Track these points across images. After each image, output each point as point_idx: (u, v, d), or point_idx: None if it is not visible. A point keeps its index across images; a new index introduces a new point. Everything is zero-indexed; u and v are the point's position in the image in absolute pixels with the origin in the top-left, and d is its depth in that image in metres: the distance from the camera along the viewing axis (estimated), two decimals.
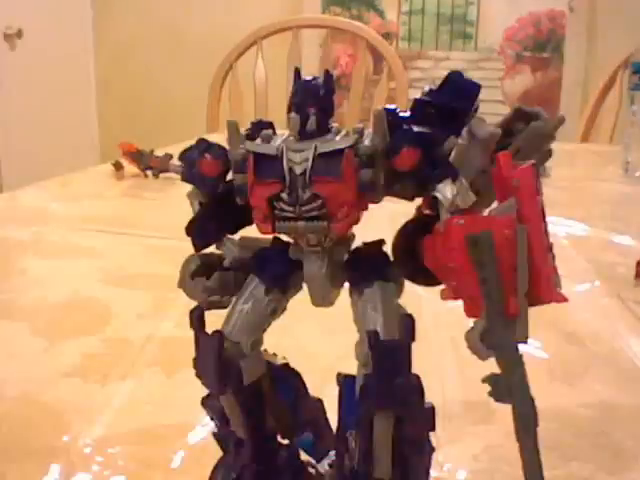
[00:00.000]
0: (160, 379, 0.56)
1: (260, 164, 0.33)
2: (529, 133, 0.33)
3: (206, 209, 0.35)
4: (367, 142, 0.32)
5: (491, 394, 0.31)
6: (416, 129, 0.33)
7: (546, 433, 0.49)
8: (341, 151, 0.32)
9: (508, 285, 0.30)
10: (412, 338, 0.33)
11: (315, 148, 0.32)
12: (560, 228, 0.98)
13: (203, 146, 0.35)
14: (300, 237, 0.34)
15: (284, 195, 0.32)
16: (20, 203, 1.08)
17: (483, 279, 0.30)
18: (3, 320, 0.67)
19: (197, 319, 0.35)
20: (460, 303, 0.31)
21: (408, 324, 0.33)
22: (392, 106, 0.35)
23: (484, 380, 0.31)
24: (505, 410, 0.51)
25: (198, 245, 0.36)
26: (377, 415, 0.33)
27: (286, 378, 0.39)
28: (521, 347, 0.57)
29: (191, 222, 0.35)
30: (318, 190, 0.32)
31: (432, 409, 0.35)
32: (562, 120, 0.34)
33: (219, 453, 0.39)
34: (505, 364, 0.31)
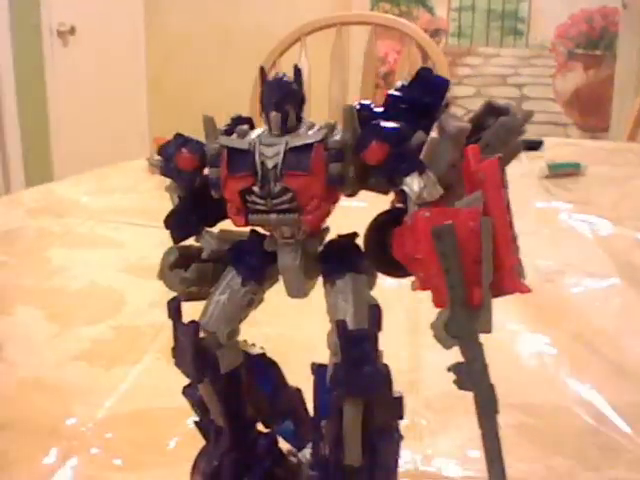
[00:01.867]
0: (165, 367, 0.57)
1: (233, 158, 0.34)
2: (497, 128, 0.34)
3: (185, 202, 0.37)
4: (337, 137, 0.33)
5: (456, 382, 0.32)
6: (384, 124, 0.33)
7: (533, 428, 0.49)
8: (311, 146, 0.33)
9: (472, 276, 0.31)
10: (379, 328, 0.34)
11: (286, 143, 0.33)
12: (587, 226, 0.97)
13: (180, 141, 0.36)
14: (274, 229, 0.35)
15: (256, 188, 0.33)
16: (55, 195, 1.12)
17: (446, 270, 0.31)
18: (23, 305, 0.70)
19: (174, 309, 0.36)
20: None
21: (375, 314, 0.34)
22: (367, 102, 0.36)
23: (449, 369, 0.32)
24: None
25: (177, 237, 0.37)
26: (346, 403, 0.34)
27: (264, 368, 0.40)
28: (531, 341, 0.57)
29: (170, 215, 0.37)
30: (288, 183, 0.33)
31: (400, 398, 0.36)
32: (530, 115, 0.35)
33: None
34: (467, 353, 0.31)
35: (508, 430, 0.49)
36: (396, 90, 0.35)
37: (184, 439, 0.47)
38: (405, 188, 0.32)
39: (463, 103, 4.47)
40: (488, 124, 0.35)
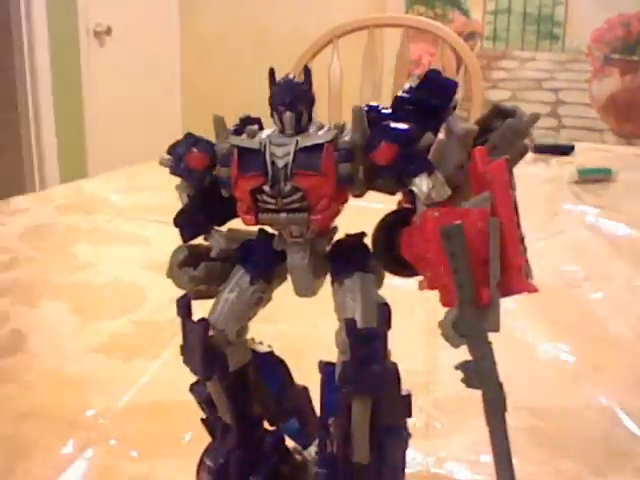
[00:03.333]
0: (180, 359, 0.59)
1: (244, 158, 0.34)
2: (504, 130, 0.34)
3: (194, 201, 0.37)
4: (346, 137, 0.34)
5: (463, 381, 0.32)
6: (393, 125, 0.34)
7: (543, 431, 0.49)
8: (321, 146, 0.33)
9: (480, 276, 0.31)
10: (388, 326, 0.34)
11: (296, 143, 0.34)
12: (613, 232, 0.96)
13: (191, 140, 0.36)
14: (283, 229, 0.35)
15: (266, 187, 0.34)
16: (85, 192, 1.14)
17: (455, 269, 0.31)
18: (48, 299, 0.71)
19: (183, 307, 0.37)
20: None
21: (384, 313, 0.34)
22: (375, 103, 0.36)
23: (457, 367, 0.32)
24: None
25: (186, 236, 0.38)
26: (354, 401, 0.34)
27: (271, 366, 0.40)
28: (550, 346, 0.57)
29: (179, 214, 0.37)
30: (298, 183, 0.33)
31: (409, 396, 0.36)
32: (536, 117, 0.35)
33: None
34: (476, 351, 0.32)
35: (518, 433, 0.49)
36: (404, 92, 0.35)
37: (199, 433, 0.48)
38: (414, 188, 0.33)
39: None
40: (495, 126, 0.35)
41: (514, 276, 0.31)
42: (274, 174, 0.33)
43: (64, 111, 3.07)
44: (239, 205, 0.35)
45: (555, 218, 1.05)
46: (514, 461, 0.32)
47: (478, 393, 0.53)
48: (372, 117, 0.35)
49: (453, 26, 4.36)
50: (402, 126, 0.33)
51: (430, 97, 0.34)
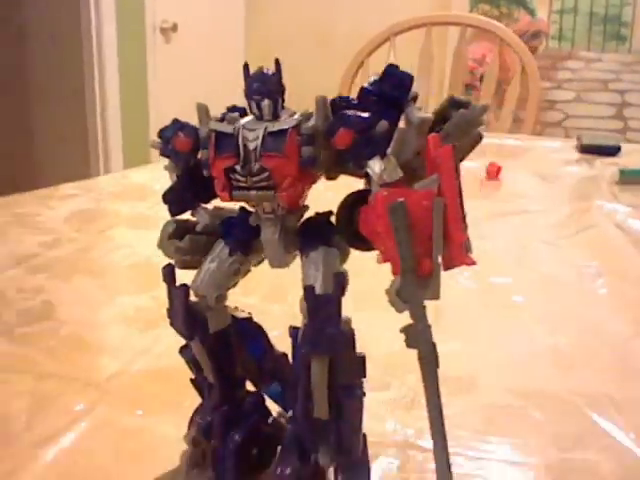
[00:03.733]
0: None
1: (220, 141, 0.38)
2: (457, 119, 0.37)
3: (181, 180, 0.41)
4: (310, 123, 0.37)
5: (405, 341, 0.36)
6: (351, 113, 0.37)
7: (512, 409, 0.52)
8: (286, 131, 0.37)
9: (424, 249, 0.34)
10: (342, 292, 0.37)
11: (265, 128, 0.37)
12: (637, 230, 0.97)
13: (177, 125, 0.40)
14: (257, 205, 0.39)
15: (238, 167, 0.38)
16: (130, 181, 1.20)
17: (399, 242, 0.34)
18: (80, 275, 0.77)
19: (168, 274, 0.41)
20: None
21: (340, 280, 0.37)
22: (346, 96, 0.40)
23: (401, 330, 0.36)
24: (484, 384, 0.55)
25: (173, 211, 0.42)
26: (313, 360, 0.37)
27: (251, 332, 0.44)
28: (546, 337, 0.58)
29: (168, 191, 0.41)
30: (265, 163, 0.37)
31: (363, 358, 0.39)
32: (485, 108, 0.38)
33: None
34: (414, 316, 0.35)
35: (494, 410, 0.52)
36: (369, 85, 0.38)
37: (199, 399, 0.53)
38: (369, 170, 0.36)
39: (562, 107, 4.38)
40: (450, 116, 0.38)
41: (455, 250, 0.34)
42: (245, 155, 0.37)
43: (130, 105, 3.18)
44: (216, 183, 0.39)
45: (586, 215, 1.05)
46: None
47: (464, 375, 0.57)
48: (343, 106, 0.38)
49: (518, 25, 4.31)
50: (359, 114, 0.36)
51: (391, 89, 0.38)
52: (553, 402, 0.54)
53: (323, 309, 0.37)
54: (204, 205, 0.42)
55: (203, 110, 0.40)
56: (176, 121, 0.41)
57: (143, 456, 0.46)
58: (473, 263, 0.34)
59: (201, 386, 0.44)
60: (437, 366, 0.35)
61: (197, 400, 0.52)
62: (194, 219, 0.42)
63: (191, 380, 0.44)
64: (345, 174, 0.39)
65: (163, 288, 0.71)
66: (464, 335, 0.65)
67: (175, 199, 0.41)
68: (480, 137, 0.38)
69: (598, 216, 1.05)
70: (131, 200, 1.06)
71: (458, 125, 0.37)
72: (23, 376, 0.56)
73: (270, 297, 0.70)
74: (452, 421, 0.50)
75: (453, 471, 0.36)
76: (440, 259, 0.35)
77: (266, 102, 0.38)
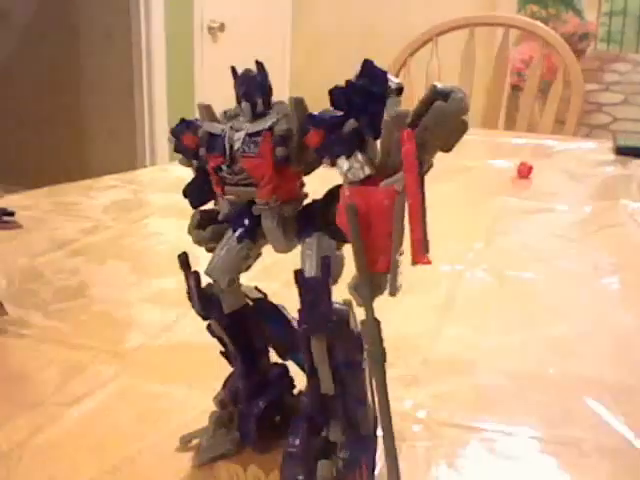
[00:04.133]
0: None
1: (211, 141, 0.42)
2: (434, 111, 0.37)
3: (198, 176, 0.45)
4: (284, 125, 0.40)
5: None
6: (321, 114, 0.39)
7: (504, 389, 0.55)
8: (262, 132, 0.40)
9: (382, 246, 0.36)
10: (328, 275, 0.40)
11: (247, 129, 0.41)
12: None
13: (185, 124, 0.44)
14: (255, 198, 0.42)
15: (224, 166, 0.41)
16: (169, 174, 1.25)
17: (352, 241, 0.37)
18: (113, 259, 0.82)
19: (183, 262, 0.45)
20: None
21: (325, 263, 0.40)
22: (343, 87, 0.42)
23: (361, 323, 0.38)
24: (479, 368, 0.58)
25: (193, 203, 0.45)
26: (312, 339, 0.40)
27: (269, 311, 0.47)
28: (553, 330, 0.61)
29: (187, 186, 0.45)
30: (243, 164, 0.41)
31: (359, 337, 0.42)
32: (460, 99, 0.39)
33: None
34: (366, 312, 0.37)
35: (487, 389, 0.55)
36: (355, 80, 0.40)
37: (215, 369, 0.57)
38: (337, 168, 0.38)
39: (610, 110, 4.33)
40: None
41: (414, 249, 0.35)
42: (231, 155, 0.41)
43: (176, 102, 3.26)
44: (212, 179, 0.43)
45: (609, 213, 1.07)
46: None
47: (463, 357, 0.60)
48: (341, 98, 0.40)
49: (566, 27, 4.28)
50: (327, 114, 0.39)
51: (370, 85, 0.39)
52: (546, 384, 0.57)
53: (312, 291, 0.39)
54: (225, 196, 0.45)
55: (203, 110, 0.43)
56: (183, 120, 0.44)
57: (161, 418, 0.50)
58: (429, 262, 0.35)
59: (229, 357, 0.48)
60: (384, 361, 0.37)
61: (212, 371, 0.56)
62: (216, 208, 0.46)
63: (221, 352, 0.48)
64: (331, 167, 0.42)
65: None
66: (471, 322, 0.68)
67: (194, 193, 0.45)
68: (465, 126, 0.37)
69: (622, 215, 1.06)
70: (166, 192, 1.11)
71: (436, 117, 0.37)
72: (55, 346, 0.61)
73: (291, 283, 0.74)
74: (446, 397, 0.54)
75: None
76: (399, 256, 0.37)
77: (244, 104, 0.41)
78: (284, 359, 0.48)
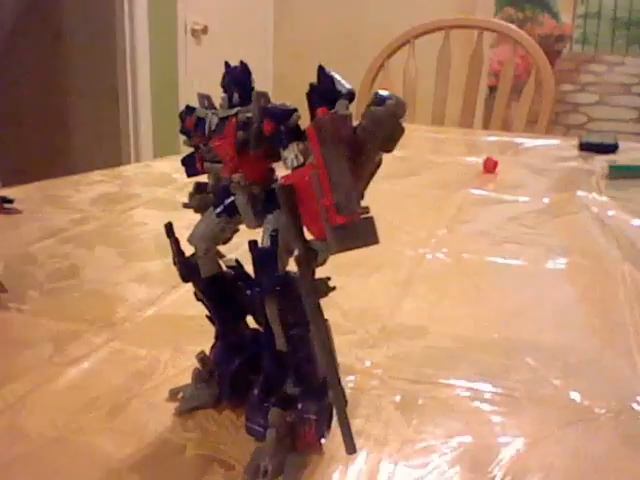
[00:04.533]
0: (190, 291, 0.74)
1: (199, 123, 0.49)
2: (369, 115, 0.42)
3: (194, 151, 0.52)
4: (247, 113, 0.46)
5: None
6: (273, 107, 0.45)
7: (452, 350, 0.62)
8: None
9: (316, 214, 0.41)
10: (276, 245, 0.45)
11: (219, 115, 0.48)
12: (606, 216, 1.06)
13: (188, 110, 0.51)
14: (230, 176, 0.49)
15: (201, 145, 0.48)
16: (152, 170, 1.32)
17: (285, 216, 0.42)
18: (101, 245, 0.89)
19: (168, 230, 0.52)
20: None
21: (274, 236, 0.46)
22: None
23: None
24: (430, 334, 0.65)
25: (188, 173, 0.53)
26: (265, 302, 0.46)
27: (245, 279, 0.53)
28: (500, 302, 0.69)
29: (185, 156, 0.52)
30: (212, 144, 0.48)
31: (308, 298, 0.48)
32: (392, 106, 0.45)
33: None
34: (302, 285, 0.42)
35: (437, 350, 0.62)
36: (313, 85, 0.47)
37: (197, 338, 0.63)
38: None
39: (585, 110, 4.43)
40: None
41: (327, 213, 0.40)
42: (208, 136, 0.48)
43: (161, 105, 3.31)
44: (196, 155, 0.50)
45: (566, 203, 1.15)
46: None
47: (419, 325, 0.67)
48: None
49: (543, 29, 4.38)
50: (280, 107, 0.45)
51: (329, 87, 0.46)
52: (489, 346, 0.64)
53: (262, 260, 0.45)
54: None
55: (202, 98, 0.51)
56: (188, 106, 0.51)
57: (148, 375, 0.57)
58: (342, 221, 0.40)
59: (212, 320, 0.54)
60: (331, 341, 0.43)
61: (193, 338, 0.63)
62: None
63: (206, 316, 0.54)
64: None
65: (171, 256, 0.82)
66: (427, 297, 0.75)
67: (189, 164, 0.52)
68: (401, 129, 0.43)
69: (578, 205, 1.14)
70: (151, 186, 1.18)
71: (371, 120, 0.42)
72: (52, 319, 0.67)
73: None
74: (400, 357, 0.61)
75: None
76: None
77: (222, 95, 0.48)
78: (260, 325, 0.54)
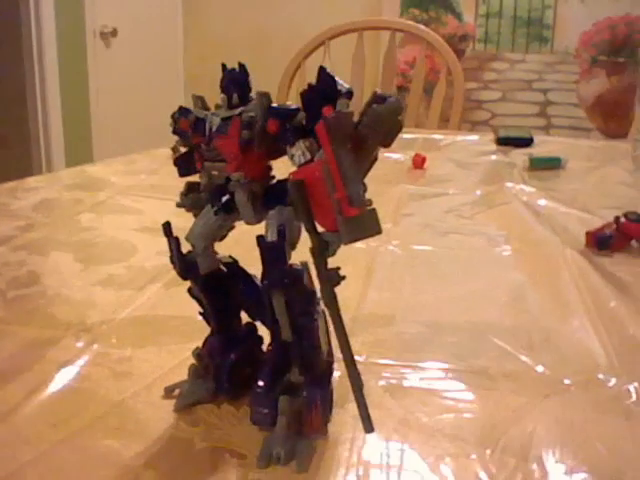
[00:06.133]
0: (163, 293, 0.75)
1: (197, 124, 0.50)
2: (370, 112, 0.45)
3: (187, 152, 0.53)
4: (250, 113, 0.48)
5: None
6: (278, 106, 0.48)
7: (421, 334, 0.65)
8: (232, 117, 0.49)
9: (327, 208, 0.43)
10: (284, 239, 0.48)
11: (222, 115, 0.49)
12: (536, 204, 1.12)
13: (181, 111, 0.52)
14: (229, 175, 0.50)
15: (202, 144, 0.50)
16: (88, 174, 1.30)
17: (299, 210, 0.44)
18: (56, 251, 0.88)
19: (167, 229, 0.52)
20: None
21: (282, 230, 0.48)
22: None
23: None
24: (400, 321, 0.68)
25: (180, 173, 0.54)
26: (272, 295, 0.48)
27: (242, 275, 0.54)
28: (459, 289, 0.72)
29: (178, 157, 0.53)
30: (216, 143, 0.49)
31: (313, 291, 0.50)
32: (394, 104, 0.47)
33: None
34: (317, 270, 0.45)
35: (406, 335, 0.65)
36: (310, 85, 0.49)
37: (172, 335, 0.65)
38: (288, 156, 0.47)
39: (489, 107, 4.59)
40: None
41: (341, 207, 0.42)
42: (210, 135, 0.50)
43: (71, 109, 3.23)
44: (195, 155, 0.51)
45: (497, 194, 1.21)
46: None
47: (387, 313, 0.70)
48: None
49: (446, 29, 4.51)
50: (286, 107, 0.48)
51: (327, 88, 0.47)
52: (455, 329, 0.68)
53: (270, 254, 0.47)
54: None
55: (196, 99, 0.52)
56: (181, 107, 0.52)
57: (137, 375, 0.58)
58: (354, 213, 0.42)
59: (207, 317, 0.55)
60: (337, 303, 0.44)
61: (174, 337, 0.64)
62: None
63: (200, 313, 0.55)
64: None
65: (133, 259, 0.83)
66: (389, 287, 0.79)
67: (182, 164, 0.54)
68: (400, 126, 0.46)
69: (508, 195, 1.20)
70: (92, 191, 1.17)
71: (372, 118, 0.45)
72: (24, 327, 0.67)
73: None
74: (374, 344, 0.64)
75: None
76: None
77: (221, 96, 0.50)
78: (254, 319, 0.55)
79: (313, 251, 0.44)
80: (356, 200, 0.43)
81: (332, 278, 0.45)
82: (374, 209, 0.44)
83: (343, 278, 0.45)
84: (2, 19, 3.07)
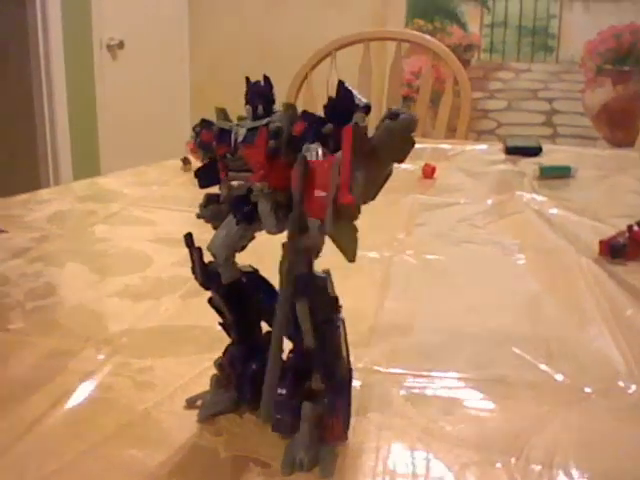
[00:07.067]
0: (179, 303, 0.75)
1: (221, 134, 0.51)
2: (382, 128, 0.47)
3: (209, 162, 0.53)
4: (276, 123, 0.49)
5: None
6: (310, 113, 0.49)
7: (439, 343, 0.65)
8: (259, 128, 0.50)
9: (322, 198, 0.45)
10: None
11: (248, 126, 0.50)
12: (548, 212, 1.12)
13: (203, 124, 0.53)
14: (253, 184, 0.51)
15: (228, 154, 0.50)
16: (99, 186, 1.30)
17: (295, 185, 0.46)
18: (71, 262, 0.88)
19: (189, 240, 0.53)
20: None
21: None
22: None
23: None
24: (418, 330, 0.68)
25: (201, 184, 0.54)
26: (296, 302, 0.49)
27: (260, 284, 0.55)
28: (474, 298, 0.74)
29: (199, 169, 0.54)
30: (242, 153, 0.50)
31: (336, 297, 0.51)
32: (407, 120, 0.48)
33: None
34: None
35: (425, 345, 0.66)
36: (331, 99, 0.50)
37: (191, 345, 0.65)
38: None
39: (495, 116, 4.60)
40: None
41: (341, 189, 0.44)
42: (235, 145, 0.50)
43: (78, 122, 3.25)
44: (219, 165, 0.51)
45: (508, 203, 1.21)
46: None
47: (404, 322, 0.70)
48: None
49: (452, 39, 4.52)
50: (316, 115, 0.49)
51: (345, 102, 0.48)
52: (474, 338, 0.68)
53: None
54: (229, 182, 0.53)
55: (219, 112, 0.52)
56: (203, 120, 0.53)
57: (158, 386, 0.58)
58: (349, 200, 0.44)
59: (227, 327, 0.56)
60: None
61: (193, 347, 0.65)
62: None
63: (219, 323, 0.55)
64: None
65: (148, 270, 0.84)
66: (405, 296, 0.79)
67: (203, 175, 0.54)
68: (412, 142, 0.47)
69: (519, 204, 1.20)
70: (104, 202, 1.17)
71: (385, 133, 0.46)
72: (45, 338, 0.67)
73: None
74: (393, 354, 0.64)
75: None
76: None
77: (246, 107, 0.51)
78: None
79: (291, 228, 0.45)
80: (355, 190, 0.44)
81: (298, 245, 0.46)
82: (357, 230, 0.46)
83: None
84: (9, 32, 3.09)
